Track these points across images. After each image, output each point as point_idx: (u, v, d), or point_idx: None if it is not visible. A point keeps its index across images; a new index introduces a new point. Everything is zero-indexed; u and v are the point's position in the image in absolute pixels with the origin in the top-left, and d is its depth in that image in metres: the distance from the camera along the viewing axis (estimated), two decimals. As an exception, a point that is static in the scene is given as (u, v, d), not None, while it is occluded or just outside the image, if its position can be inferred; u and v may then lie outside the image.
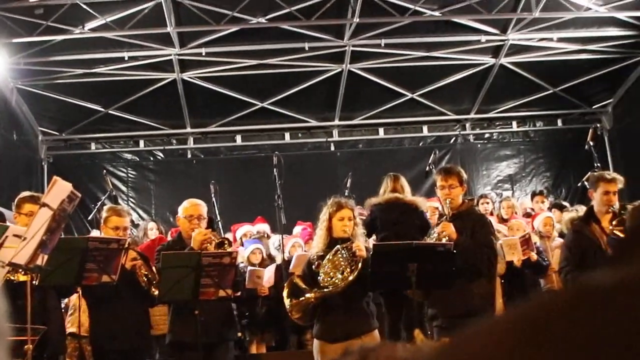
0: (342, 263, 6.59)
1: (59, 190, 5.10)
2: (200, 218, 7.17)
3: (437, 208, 10.35)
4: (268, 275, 9.10)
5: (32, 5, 10.89)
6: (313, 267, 6.73)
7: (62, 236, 6.27)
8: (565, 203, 12.34)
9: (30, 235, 4.90)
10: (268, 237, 10.55)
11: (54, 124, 13.99)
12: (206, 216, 7.30)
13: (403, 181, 8.58)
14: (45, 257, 5.30)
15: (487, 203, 11.22)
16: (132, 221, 9.21)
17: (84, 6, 10.94)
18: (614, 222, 6.78)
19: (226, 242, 7.11)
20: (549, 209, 11.49)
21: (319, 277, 6.63)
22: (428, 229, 8.06)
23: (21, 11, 10.94)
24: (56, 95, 13.06)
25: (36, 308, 5.96)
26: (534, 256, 8.89)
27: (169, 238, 10.01)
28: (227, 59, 12.68)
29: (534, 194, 12.29)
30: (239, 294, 7.54)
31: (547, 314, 0.50)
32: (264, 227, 10.89)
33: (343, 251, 6.62)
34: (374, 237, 8.57)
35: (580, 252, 6.98)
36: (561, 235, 9.69)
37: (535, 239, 9.32)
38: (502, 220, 10.56)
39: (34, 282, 5.61)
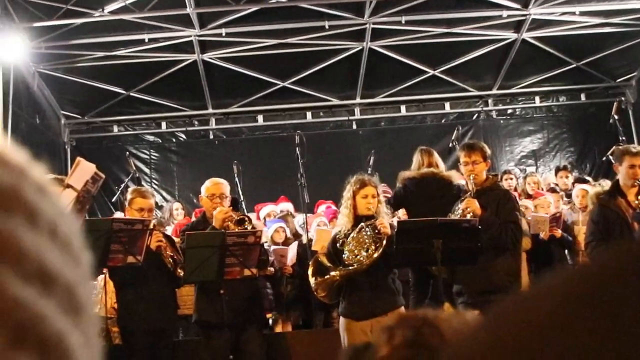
0: (367, 240, 6.59)
1: (83, 171, 5.11)
2: (222, 197, 7.19)
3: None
4: (292, 253, 9.10)
5: (52, -11, 10.91)
6: (338, 245, 6.74)
7: (87, 218, 6.30)
8: (588, 178, 12.27)
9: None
10: (293, 216, 10.55)
11: (76, 108, 14.04)
12: (228, 194, 7.32)
13: (437, 156, 8.42)
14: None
15: (511, 179, 11.18)
16: (155, 202, 9.24)
17: (104, -12, 10.96)
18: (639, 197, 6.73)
19: (246, 219, 7.13)
20: (573, 183, 11.44)
21: (343, 255, 6.63)
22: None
23: (41, -5, 10.96)
24: (77, 79, 13.09)
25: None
26: (558, 233, 8.86)
27: (193, 219, 10.09)
28: (247, 39, 12.65)
29: (557, 169, 12.23)
30: (270, 271, 7.59)
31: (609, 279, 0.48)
32: (288, 206, 10.91)
33: (367, 229, 6.62)
34: (402, 211, 8.55)
35: (607, 226, 6.93)
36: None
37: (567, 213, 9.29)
38: (528, 196, 10.53)
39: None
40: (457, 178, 8.36)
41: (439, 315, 1.15)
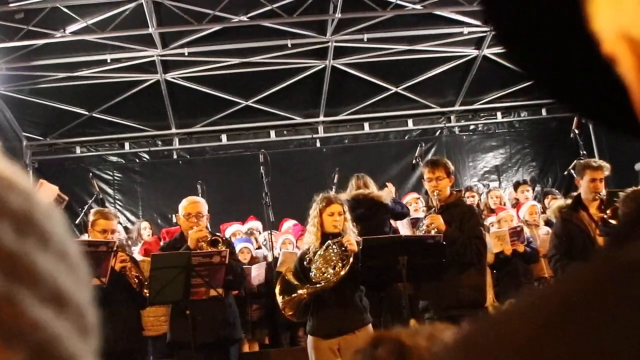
0: (334, 258, 6.60)
1: (46, 193, 5.08)
2: (198, 216, 7.16)
3: (418, 198, 10.44)
4: (256, 272, 9.08)
5: (13, 10, 10.82)
6: (305, 263, 6.74)
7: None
8: (554, 190, 12.38)
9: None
10: (253, 233, 10.55)
11: (38, 129, 13.91)
12: (206, 213, 7.28)
13: (367, 179, 8.69)
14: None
15: (473, 196, 11.21)
16: (119, 223, 9.19)
17: (65, 9, 10.87)
18: (607, 212, 6.81)
19: (220, 240, 7.11)
20: (535, 198, 11.54)
21: (310, 273, 6.63)
22: (400, 213, 8.17)
23: (2, 16, 10.85)
24: (39, 100, 12.98)
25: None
26: (521, 247, 8.91)
27: (161, 240, 10.05)
28: (210, 58, 12.64)
29: (517, 184, 12.31)
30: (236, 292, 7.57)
31: (586, 292, 0.49)
32: (257, 224, 10.91)
33: (334, 246, 6.63)
34: None
35: (569, 240, 7.01)
36: (548, 223, 9.74)
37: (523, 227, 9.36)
38: (490, 211, 10.59)
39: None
40: (388, 198, 8.53)
41: (416, 333, 1.15)
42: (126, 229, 12.17)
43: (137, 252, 9.17)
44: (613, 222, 6.71)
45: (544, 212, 10.48)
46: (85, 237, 9.68)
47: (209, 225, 7.52)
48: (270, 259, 9.37)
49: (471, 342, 0.53)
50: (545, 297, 0.52)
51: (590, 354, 0.45)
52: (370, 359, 1.12)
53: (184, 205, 7.29)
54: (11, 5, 10.74)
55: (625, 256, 0.49)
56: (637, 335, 0.44)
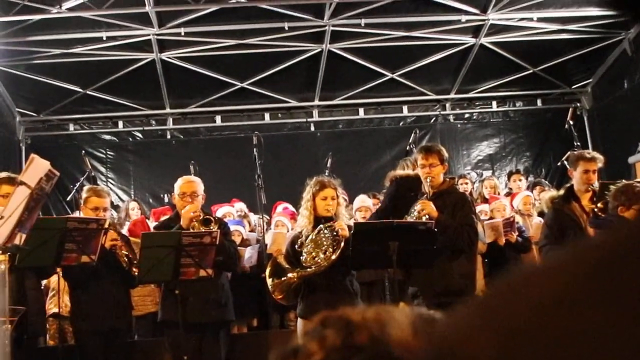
0: (325, 242, 6.60)
1: (37, 168, 5.04)
2: (193, 195, 7.18)
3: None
4: (249, 254, 9.07)
5: (8, -16, 10.77)
6: (296, 246, 6.74)
7: (41, 216, 6.22)
8: (544, 181, 12.39)
9: (8, 214, 4.84)
10: (246, 216, 10.53)
11: (32, 105, 13.86)
12: (201, 193, 7.27)
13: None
14: (24, 236, 5.25)
15: (466, 183, 11.22)
16: (111, 202, 9.16)
17: (61, -15, 10.85)
18: (599, 205, 6.81)
19: (212, 220, 7.10)
20: (528, 187, 11.54)
21: (301, 257, 6.63)
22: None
23: (-3, -10, 10.83)
24: (34, 76, 12.92)
25: (14, 289, 5.92)
26: (513, 237, 8.93)
27: (151, 219, 10.04)
28: (206, 38, 12.59)
29: (510, 173, 12.33)
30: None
31: (614, 253, 0.47)
32: (241, 205, 10.87)
33: (326, 230, 6.63)
34: (358, 215, 8.62)
35: (560, 230, 7.03)
36: (540, 213, 9.74)
37: (516, 218, 9.37)
38: (484, 200, 10.59)
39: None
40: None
41: (367, 313, 1.14)
42: (117, 207, 12.15)
43: (123, 232, 9.16)
44: (602, 214, 6.71)
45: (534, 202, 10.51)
46: (77, 214, 9.70)
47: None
48: (261, 241, 9.35)
49: (492, 305, 0.51)
50: (572, 260, 0.50)
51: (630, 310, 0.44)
52: (319, 338, 1.11)
53: (179, 184, 7.30)
54: (7, -21, 10.68)
55: None
56: None
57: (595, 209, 6.87)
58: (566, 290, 0.47)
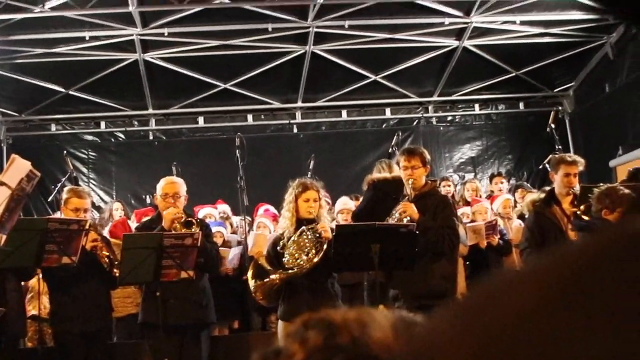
0: (308, 244, 6.61)
1: (18, 168, 5.01)
2: (175, 196, 7.14)
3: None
4: (232, 255, 9.07)
5: (-10, -17, 10.72)
6: (278, 248, 6.74)
7: (21, 217, 6.19)
8: (526, 184, 12.44)
9: (-12, 215, 4.82)
10: (228, 218, 10.51)
11: (14, 105, 13.78)
12: (184, 194, 7.24)
13: (392, 163, 8.51)
14: (4, 237, 5.22)
15: (449, 186, 11.25)
16: (92, 203, 9.12)
17: (44, -16, 10.81)
18: (581, 207, 6.84)
19: (194, 222, 7.08)
20: (510, 190, 11.59)
21: (284, 259, 6.64)
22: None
23: (-21, -11, 10.77)
24: (16, 76, 12.83)
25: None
26: (495, 240, 8.98)
27: (133, 220, 10.00)
28: (190, 39, 12.55)
29: (492, 176, 12.37)
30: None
31: (591, 261, 0.47)
32: (224, 207, 10.86)
33: (308, 232, 6.64)
34: (340, 217, 8.62)
35: (541, 233, 7.06)
36: (521, 216, 9.79)
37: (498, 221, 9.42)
38: (466, 203, 10.63)
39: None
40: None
41: (349, 314, 1.15)
42: (99, 208, 12.11)
43: (105, 233, 9.12)
44: (586, 217, 6.75)
45: (516, 205, 10.55)
46: (57, 214, 9.65)
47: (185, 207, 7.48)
48: (244, 243, 9.35)
49: (473, 309, 0.51)
50: (554, 264, 0.50)
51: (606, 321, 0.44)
52: (301, 339, 1.12)
53: (161, 185, 7.28)
54: (-11, -22, 10.63)
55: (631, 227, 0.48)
56: None
57: (578, 212, 6.90)
58: (548, 295, 0.47)
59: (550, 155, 10.38)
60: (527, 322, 0.46)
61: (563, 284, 0.47)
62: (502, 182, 11.52)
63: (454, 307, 0.54)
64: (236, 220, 10.47)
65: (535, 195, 8.42)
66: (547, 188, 7.67)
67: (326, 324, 1.11)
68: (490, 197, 11.03)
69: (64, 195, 7.34)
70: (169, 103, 14.17)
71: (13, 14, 11.23)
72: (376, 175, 7.92)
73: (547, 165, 10.80)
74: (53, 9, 11.23)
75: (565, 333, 0.45)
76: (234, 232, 10.14)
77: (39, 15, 11.37)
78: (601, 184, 6.89)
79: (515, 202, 10.70)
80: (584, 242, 0.51)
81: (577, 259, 0.49)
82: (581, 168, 7.37)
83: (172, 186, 7.25)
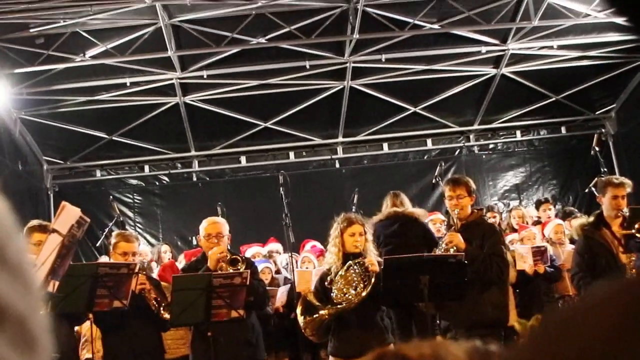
0: (355, 279, 6.59)
1: (68, 215, 5.08)
2: (218, 236, 7.16)
3: (444, 220, 10.36)
4: (280, 293, 9.07)
5: (33, 35, 10.94)
6: (326, 283, 6.72)
7: (71, 263, 6.25)
8: (573, 209, 12.29)
9: (41, 262, 4.87)
10: (272, 256, 10.51)
11: (59, 153, 14.00)
12: (227, 233, 7.27)
13: (403, 197, 8.69)
14: (56, 284, 5.27)
15: (494, 217, 11.07)
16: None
17: (84, 34, 11.01)
18: (636, 226, 6.75)
19: (240, 259, 7.09)
20: (557, 215, 11.45)
21: (332, 294, 6.62)
22: (432, 239, 8.07)
23: (22, 41, 10.99)
24: (60, 124, 13.07)
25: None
26: (542, 268, 8.84)
27: (182, 262, 10.03)
28: (229, 80, 12.69)
29: (539, 202, 12.22)
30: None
31: None
32: (277, 246, 10.86)
33: (355, 266, 6.62)
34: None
35: (592, 257, 6.97)
36: (572, 241, 9.67)
37: (547, 247, 9.30)
38: (513, 230, 10.52)
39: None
40: (423, 214, 8.50)
41: (423, 348, 1.13)
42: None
43: (154, 276, 9.19)
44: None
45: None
46: (104, 258, 9.74)
47: (229, 246, 7.50)
48: (292, 280, 9.34)
49: (552, 338, 0.51)
50: (629, 287, 0.50)
51: None
52: None
53: (204, 226, 7.31)
54: (32, 30, 10.86)
55: None
56: None
57: (633, 232, 6.81)
58: (622, 321, 0.47)
59: (597, 178, 10.25)
60: (604, 346, 0.46)
61: (635, 308, 0.47)
62: (549, 209, 11.40)
63: (530, 338, 0.54)
64: (283, 257, 10.46)
65: (584, 219, 8.33)
66: (596, 212, 7.55)
67: (401, 359, 1.09)
68: (540, 223, 10.89)
69: (112, 240, 7.41)
70: (211, 144, 14.29)
71: (55, 64, 11.45)
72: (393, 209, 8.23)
73: (593, 189, 10.68)
74: (94, 57, 11.44)
75: None
76: (277, 272, 10.12)
77: (80, 65, 11.58)
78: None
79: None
80: None
81: None
82: (629, 190, 7.27)
83: (214, 226, 7.28)
